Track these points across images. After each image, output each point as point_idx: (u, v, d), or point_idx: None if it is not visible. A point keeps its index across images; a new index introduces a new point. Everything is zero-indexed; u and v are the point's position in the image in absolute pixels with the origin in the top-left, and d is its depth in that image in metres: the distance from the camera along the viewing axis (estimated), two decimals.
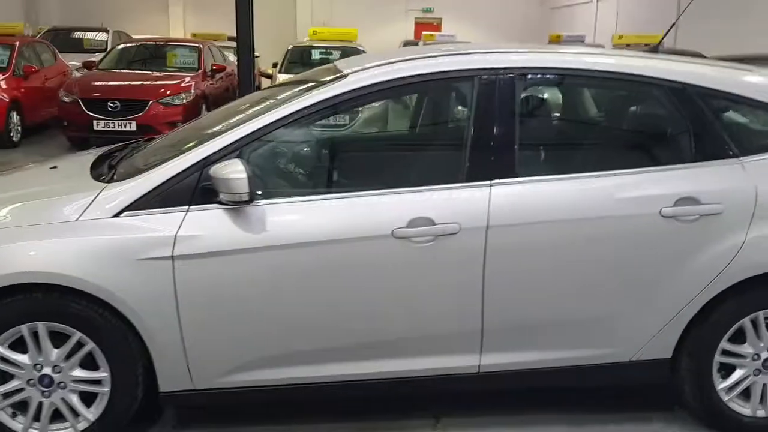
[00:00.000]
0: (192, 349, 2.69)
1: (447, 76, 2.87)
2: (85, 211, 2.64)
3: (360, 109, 3.00)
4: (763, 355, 2.93)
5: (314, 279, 2.67)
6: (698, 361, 2.91)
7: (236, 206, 2.62)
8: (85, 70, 11.24)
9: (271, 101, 2.91)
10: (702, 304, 2.83)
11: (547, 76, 3.03)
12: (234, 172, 2.50)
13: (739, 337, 2.92)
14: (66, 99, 9.82)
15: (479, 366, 2.84)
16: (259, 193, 2.65)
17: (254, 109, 2.91)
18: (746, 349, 2.92)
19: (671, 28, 3.87)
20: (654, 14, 16.95)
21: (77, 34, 16.01)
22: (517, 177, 2.76)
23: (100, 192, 2.70)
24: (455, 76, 2.88)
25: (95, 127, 9.66)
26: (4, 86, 10.09)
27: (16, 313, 2.61)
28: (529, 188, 2.76)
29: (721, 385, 2.95)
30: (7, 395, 2.70)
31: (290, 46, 12.65)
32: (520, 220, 2.71)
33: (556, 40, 16.14)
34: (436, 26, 24.66)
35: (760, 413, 2.99)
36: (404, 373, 2.83)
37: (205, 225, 2.62)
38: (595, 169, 2.82)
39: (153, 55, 11.90)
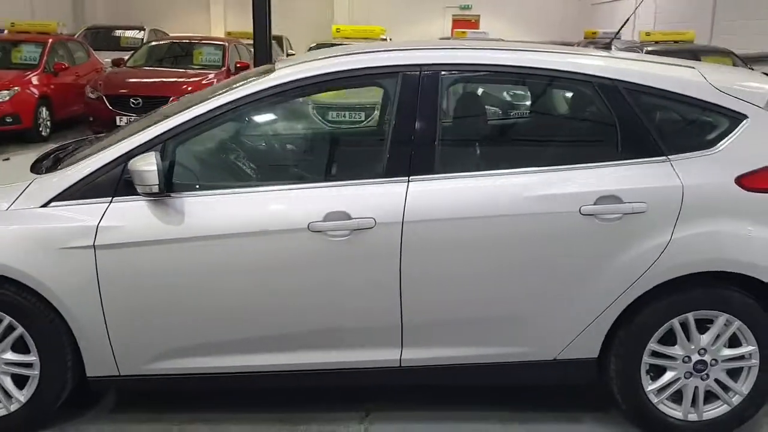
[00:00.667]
0: (116, 337, 2.78)
1: (368, 73, 2.88)
2: (15, 201, 2.76)
3: (288, 104, 3.03)
4: (694, 358, 2.86)
5: (231, 271, 2.73)
6: (626, 362, 2.86)
7: (156, 198, 2.70)
8: (115, 67, 11.58)
9: (200, 97, 2.98)
10: (626, 305, 2.79)
11: (472, 73, 3.01)
12: (146, 165, 2.57)
13: (670, 339, 2.86)
14: (91, 95, 10.16)
15: (400, 360, 2.85)
16: (181, 185, 2.73)
17: (185, 104, 2.98)
18: (676, 351, 2.86)
19: (625, 23, 3.79)
20: (691, 10, 16.52)
21: (116, 33, 16.47)
22: (436, 174, 2.76)
23: (31, 183, 2.81)
24: (376, 72, 2.89)
25: (118, 123, 9.95)
26: (34, 82, 10.48)
27: None
28: (447, 185, 2.76)
29: (651, 386, 2.89)
30: None
31: (313, 44, 12.76)
32: (436, 216, 2.71)
33: (592, 37, 15.89)
34: (473, 23, 24.53)
35: (692, 417, 2.92)
36: (328, 365, 2.86)
37: (126, 216, 2.71)
38: (515, 166, 2.80)
39: (181, 52, 12.18)
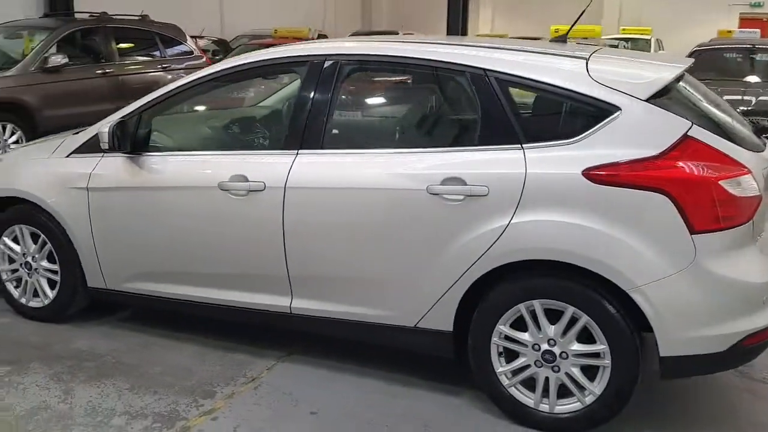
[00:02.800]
0: (101, 258, 3.70)
1: (285, 62, 3.39)
2: (53, 152, 3.82)
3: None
4: (543, 347, 2.87)
5: (167, 215, 3.47)
6: (478, 341, 2.98)
7: (127, 155, 3.54)
8: None
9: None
10: (470, 284, 2.91)
11: (364, 63, 3.31)
12: (102, 129, 3.43)
13: (524, 325, 2.91)
14: None
15: (291, 307, 3.33)
16: (146, 147, 3.54)
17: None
18: (525, 337, 2.90)
19: (578, 19, 3.64)
20: None
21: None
22: (322, 149, 3.18)
23: (65, 140, 3.86)
24: (292, 62, 3.38)
25: None
26: None
27: (7, 218, 3.91)
28: (327, 159, 3.16)
29: (501, 369, 2.97)
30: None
31: None
32: (311, 185, 3.14)
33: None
34: (765, 22, 21.90)
35: (543, 408, 2.92)
36: (240, 303, 3.44)
37: (108, 168, 3.60)
38: (385, 146, 3.09)
39: None
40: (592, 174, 2.70)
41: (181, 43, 10.39)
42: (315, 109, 3.21)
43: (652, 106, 2.75)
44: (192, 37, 14.70)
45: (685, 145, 2.67)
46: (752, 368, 3.52)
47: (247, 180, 3.24)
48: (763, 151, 2.98)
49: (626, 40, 18.95)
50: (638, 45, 19.78)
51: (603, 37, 18.18)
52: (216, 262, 3.43)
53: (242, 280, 3.40)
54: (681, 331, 2.68)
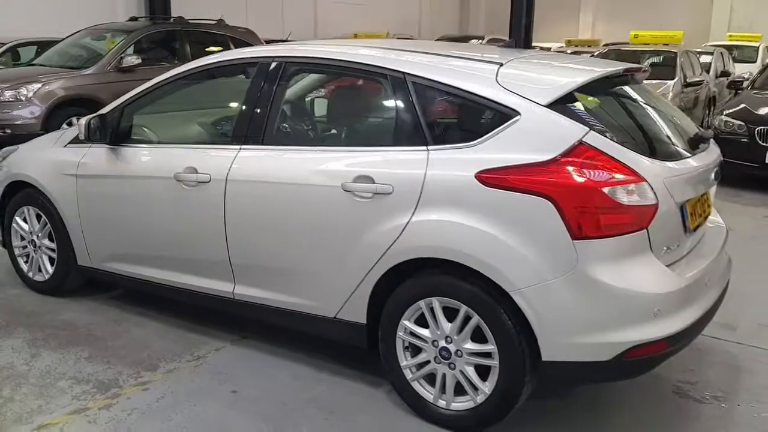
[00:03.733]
0: (87, 239, 4.08)
1: (239, 63, 3.62)
2: (56, 142, 4.25)
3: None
4: (440, 344, 2.94)
5: (135, 202, 3.79)
6: (386, 335, 3.09)
7: (108, 147, 3.89)
8: None
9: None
10: (377, 278, 3.02)
11: (302, 65, 3.45)
12: (81, 122, 3.79)
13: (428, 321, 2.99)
14: None
15: (233, 293, 3.56)
16: (124, 139, 3.88)
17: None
18: (425, 333, 2.97)
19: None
20: None
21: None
22: (262, 145, 3.39)
23: (67, 131, 4.28)
24: (245, 62, 3.61)
25: None
26: None
27: (17, 201, 4.38)
28: (264, 154, 3.36)
29: (405, 363, 3.06)
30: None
31: (603, 49, 12.52)
32: (248, 177, 3.36)
33: None
34: None
35: (441, 403, 2.99)
36: (194, 287, 3.71)
37: (93, 157, 3.97)
38: (313, 144, 3.26)
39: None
40: (483, 177, 2.75)
41: (253, 46, 10.90)
42: (259, 107, 3.43)
43: (551, 111, 2.76)
44: (282, 41, 15.43)
45: (578, 152, 2.67)
46: (696, 386, 3.41)
47: (196, 172, 3.50)
48: (690, 157, 2.94)
49: (732, 47, 17.99)
50: (744, 53, 18.73)
51: (709, 44, 17.39)
52: (173, 246, 3.71)
53: (194, 264, 3.66)
54: (562, 336, 2.68)
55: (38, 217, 4.33)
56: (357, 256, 3.06)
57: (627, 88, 3.25)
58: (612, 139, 2.72)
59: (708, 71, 12.98)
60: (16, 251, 4.51)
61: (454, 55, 3.18)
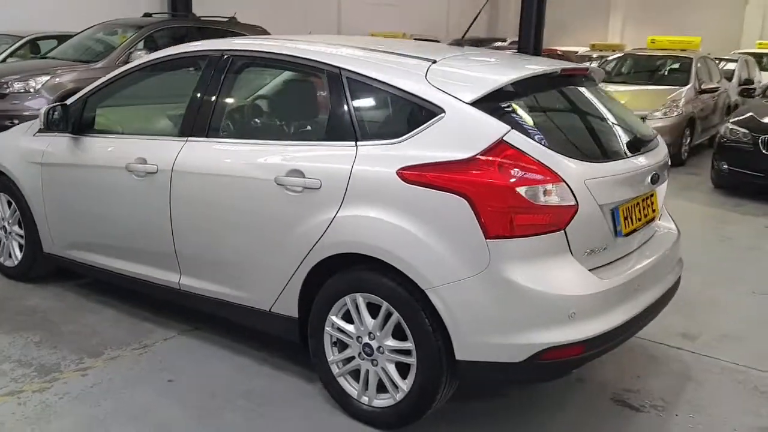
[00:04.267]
0: (51, 226, 4.17)
1: (191, 56, 3.66)
2: (27, 131, 4.35)
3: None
4: (363, 340, 2.93)
5: (90, 191, 3.85)
6: (315, 329, 3.09)
7: (70, 136, 3.96)
8: None
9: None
10: (306, 272, 3.03)
11: (247, 59, 3.46)
12: (41, 110, 3.87)
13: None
14: None
15: (179, 284, 3.59)
16: (85, 129, 3.95)
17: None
18: (350, 328, 2.97)
19: (473, 22, 3.57)
20: None
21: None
22: (207, 137, 3.42)
23: (35, 121, 4.37)
24: (196, 56, 3.65)
25: None
26: None
27: None
28: (207, 146, 3.39)
29: (332, 358, 3.05)
30: None
31: (620, 53, 12.34)
32: (191, 169, 3.39)
33: None
34: None
35: (364, 399, 2.98)
36: (145, 276, 3.75)
37: (56, 146, 4.05)
38: (253, 137, 3.29)
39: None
40: (404, 173, 2.74)
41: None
42: (205, 99, 3.46)
43: (475, 109, 2.74)
44: None
45: (497, 150, 2.64)
46: (637, 394, 3.35)
47: (145, 162, 3.55)
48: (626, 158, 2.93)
49: (761, 55, 17.58)
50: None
51: (737, 51, 17.04)
52: (125, 236, 3.77)
53: (144, 254, 3.71)
54: (476, 335, 2.66)
55: (9, 203, 4.43)
56: (288, 250, 3.06)
57: (572, 88, 3.21)
58: (534, 139, 2.69)
59: (730, 79, 12.70)
60: None
61: (392, 51, 3.16)
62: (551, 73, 3.07)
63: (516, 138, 2.66)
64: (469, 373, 2.73)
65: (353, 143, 2.94)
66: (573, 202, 2.64)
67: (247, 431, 2.93)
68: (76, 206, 3.98)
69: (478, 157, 2.64)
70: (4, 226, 4.50)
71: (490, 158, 2.63)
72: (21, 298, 4.26)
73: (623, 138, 3.13)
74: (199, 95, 3.50)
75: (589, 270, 2.75)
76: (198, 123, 3.46)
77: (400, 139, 2.83)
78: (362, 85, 3.01)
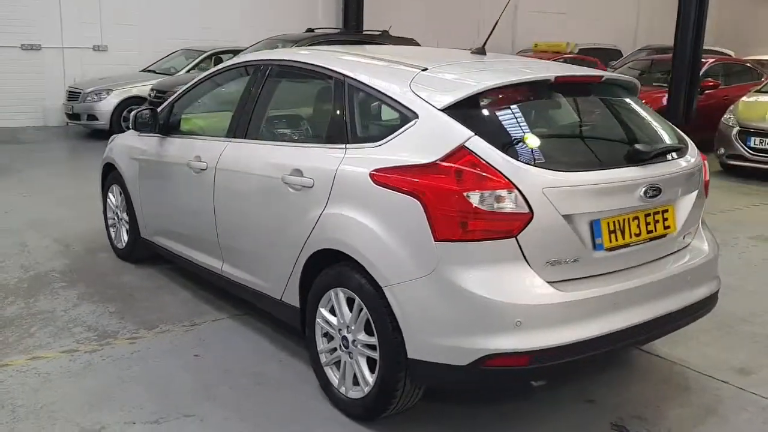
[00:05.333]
0: (144, 214, 4.78)
1: (246, 65, 4.01)
2: (131, 130, 5.01)
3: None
4: (342, 333, 3.08)
5: (166, 183, 4.38)
6: (309, 320, 3.29)
7: (159, 136, 4.52)
8: None
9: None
10: (302, 265, 3.25)
11: (280, 68, 3.73)
12: (131, 114, 4.46)
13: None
14: None
15: (222, 270, 3.98)
16: (169, 130, 4.50)
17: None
18: (333, 321, 3.14)
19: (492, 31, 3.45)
20: None
21: None
22: (245, 138, 3.77)
23: None
24: (248, 65, 3.99)
25: None
26: None
27: (109, 180, 5.21)
28: (243, 146, 3.74)
29: (321, 347, 3.24)
30: None
31: None
32: (229, 167, 3.76)
33: None
34: None
35: (342, 390, 3.12)
36: (201, 262, 4.19)
37: (149, 144, 4.64)
38: (274, 139, 3.59)
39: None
40: (374, 175, 2.86)
41: None
42: (245, 104, 3.82)
43: (444, 115, 2.79)
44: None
45: (457, 156, 2.68)
46: (644, 422, 3.15)
47: (200, 160, 3.99)
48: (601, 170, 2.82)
49: None
50: None
51: None
52: (187, 224, 4.24)
53: (200, 241, 4.15)
54: (425, 335, 2.70)
55: (120, 194, 5.13)
56: (290, 243, 3.31)
57: (574, 96, 3.12)
58: (497, 146, 2.68)
59: None
60: (109, 221, 5.37)
61: (396, 60, 3.29)
62: (542, 80, 3.01)
63: (477, 144, 2.68)
64: (421, 372, 2.78)
65: (344, 145, 3.11)
66: (526, 210, 2.60)
67: (233, 404, 3.21)
68: (158, 197, 4.54)
69: (437, 161, 2.70)
70: (117, 213, 5.21)
71: (448, 163, 2.68)
72: (119, 275, 4.92)
73: (619, 149, 2.98)
74: (241, 100, 3.87)
75: (553, 281, 2.68)
76: (238, 126, 3.82)
77: (380, 142, 2.96)
78: (358, 91, 3.17)
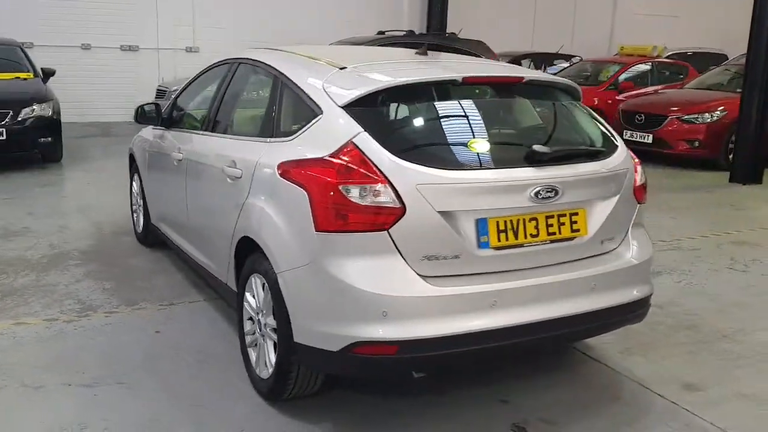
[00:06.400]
0: (150, 201, 5.17)
1: (224, 63, 4.27)
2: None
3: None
4: (258, 317, 3.26)
5: (161, 173, 4.74)
6: (239, 304, 3.49)
7: (162, 129, 4.89)
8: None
9: None
10: (233, 252, 3.45)
11: (245, 65, 3.93)
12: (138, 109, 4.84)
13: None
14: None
15: (191, 253, 4.26)
16: (173, 125, 4.85)
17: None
18: (254, 304, 3.32)
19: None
20: None
21: None
22: (208, 132, 4.04)
23: None
24: (225, 63, 4.24)
25: (623, 136, 10.92)
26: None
27: (132, 169, 5.67)
28: (206, 139, 4.02)
29: (246, 329, 3.43)
30: None
31: None
32: (194, 158, 4.05)
33: None
34: None
35: (256, 370, 3.29)
36: (182, 246, 4.50)
37: (155, 136, 5.02)
38: (225, 132, 3.83)
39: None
40: (279, 168, 3.03)
41: (480, 57, 11.28)
42: (214, 100, 4.10)
43: (343, 112, 2.91)
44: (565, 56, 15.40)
45: (345, 151, 2.80)
46: (554, 426, 3.12)
47: (179, 151, 4.30)
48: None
49: None
50: None
51: None
52: (171, 209, 4.59)
53: (178, 225, 4.49)
54: (306, 321, 2.84)
55: (139, 182, 5.56)
56: (226, 231, 3.52)
57: (486, 95, 3.15)
58: (382, 142, 2.77)
59: None
60: (133, 208, 5.83)
61: (323, 58, 3.42)
62: (449, 80, 3.05)
63: (363, 140, 2.78)
64: (305, 357, 2.91)
65: (268, 139, 3.30)
66: (398, 205, 2.67)
67: (165, 377, 3.45)
68: (157, 186, 4.91)
69: (328, 156, 2.82)
70: (137, 200, 5.64)
71: (335, 158, 2.79)
72: (131, 257, 5.33)
73: (517, 150, 2.97)
74: (213, 96, 4.15)
75: (430, 276, 2.74)
76: (207, 120, 4.10)
77: (292, 137, 3.12)
78: (285, 87, 3.35)
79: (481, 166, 2.87)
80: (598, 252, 3.13)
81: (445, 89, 3.09)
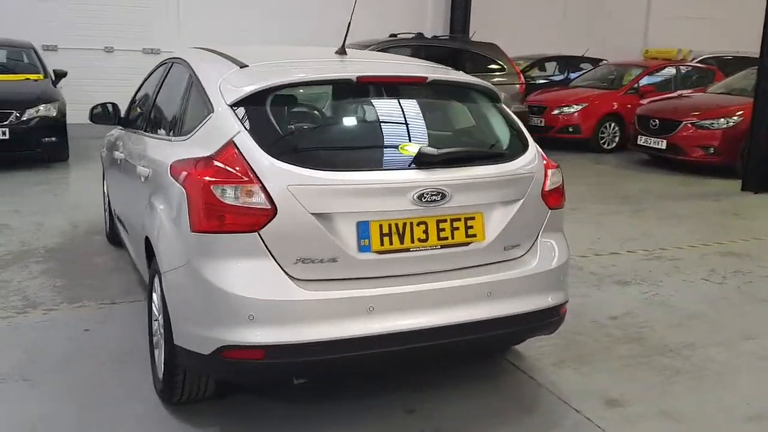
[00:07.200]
0: (111, 199, 5.22)
1: (163, 63, 4.26)
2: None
3: None
4: (157, 318, 3.22)
5: (113, 170, 4.77)
6: (149, 305, 3.46)
7: (119, 129, 4.93)
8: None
9: None
10: (144, 252, 3.44)
11: (174, 64, 3.89)
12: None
13: None
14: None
15: (129, 251, 4.28)
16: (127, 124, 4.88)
17: None
18: (154, 306, 3.29)
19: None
20: None
21: None
22: (140, 131, 4.05)
23: None
24: (164, 63, 4.23)
25: (638, 142, 10.60)
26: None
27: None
28: (136, 138, 4.03)
29: (153, 330, 3.39)
30: None
31: None
32: (127, 157, 4.06)
33: None
34: None
35: (157, 372, 3.25)
36: (126, 245, 4.53)
37: (112, 136, 5.07)
38: (147, 130, 3.85)
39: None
40: (170, 167, 2.99)
41: (494, 61, 11.12)
42: (149, 99, 4.12)
43: (230, 111, 2.85)
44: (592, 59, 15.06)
45: (226, 151, 2.74)
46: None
47: (120, 150, 4.35)
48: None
49: None
50: None
51: None
52: (120, 203, 4.61)
53: (124, 226, 4.49)
54: (182, 323, 2.79)
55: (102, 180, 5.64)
56: (141, 231, 3.50)
57: (381, 95, 3.06)
58: (259, 142, 2.71)
59: None
60: (106, 208, 5.89)
61: (231, 57, 3.35)
62: (342, 79, 2.97)
63: (242, 140, 2.73)
64: (183, 360, 2.85)
65: (171, 138, 3.28)
66: (268, 206, 2.61)
67: (74, 376, 3.44)
68: (111, 183, 4.96)
69: (210, 155, 2.77)
70: (108, 201, 5.70)
71: (215, 158, 2.74)
72: (94, 256, 5.39)
73: (405, 151, 2.86)
74: (151, 96, 4.15)
75: (305, 279, 2.66)
76: (143, 119, 4.12)
77: (188, 135, 3.09)
78: (193, 85, 3.31)
79: (360, 167, 2.77)
80: (500, 259, 3.00)
81: (339, 89, 3.01)
